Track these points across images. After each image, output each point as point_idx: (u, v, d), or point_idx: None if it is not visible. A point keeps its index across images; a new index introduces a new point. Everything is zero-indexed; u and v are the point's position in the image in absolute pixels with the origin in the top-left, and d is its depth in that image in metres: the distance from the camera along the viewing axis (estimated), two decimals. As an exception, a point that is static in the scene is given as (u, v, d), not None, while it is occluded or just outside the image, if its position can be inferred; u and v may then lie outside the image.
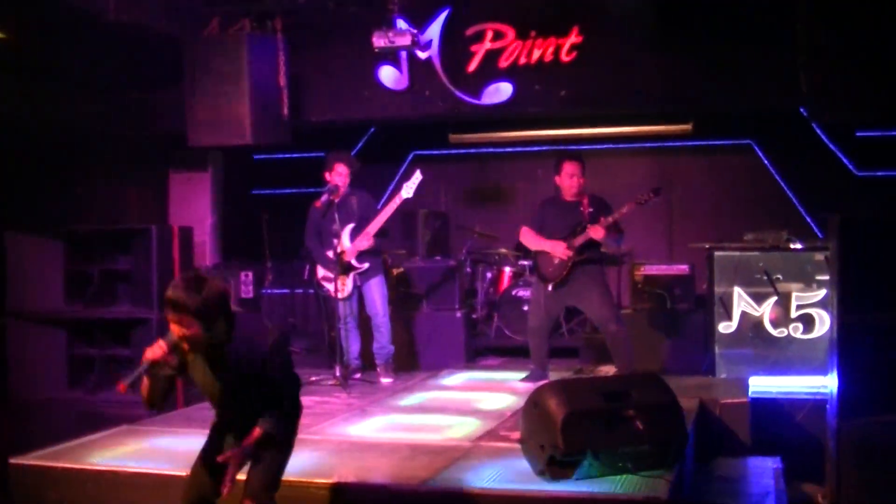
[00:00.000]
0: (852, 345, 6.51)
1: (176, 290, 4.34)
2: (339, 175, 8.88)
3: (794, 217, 11.08)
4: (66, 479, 5.94)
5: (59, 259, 9.43)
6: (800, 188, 11.23)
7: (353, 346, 9.11)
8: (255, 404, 4.57)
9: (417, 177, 8.78)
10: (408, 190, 8.75)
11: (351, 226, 8.86)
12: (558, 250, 8.29)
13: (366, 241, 8.82)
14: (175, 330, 4.38)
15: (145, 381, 4.45)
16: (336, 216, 8.72)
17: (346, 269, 8.83)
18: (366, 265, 8.89)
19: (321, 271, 9.05)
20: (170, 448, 6.41)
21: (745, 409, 7.71)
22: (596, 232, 8.13)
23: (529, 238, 8.57)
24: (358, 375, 9.02)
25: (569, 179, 8.41)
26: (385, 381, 9.04)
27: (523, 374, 8.85)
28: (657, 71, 10.02)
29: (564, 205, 8.48)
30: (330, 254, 8.82)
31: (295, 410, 4.75)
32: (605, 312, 8.40)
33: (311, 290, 10.59)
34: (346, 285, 8.88)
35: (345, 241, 8.81)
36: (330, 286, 8.93)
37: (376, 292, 9.03)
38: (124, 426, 7.11)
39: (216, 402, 4.74)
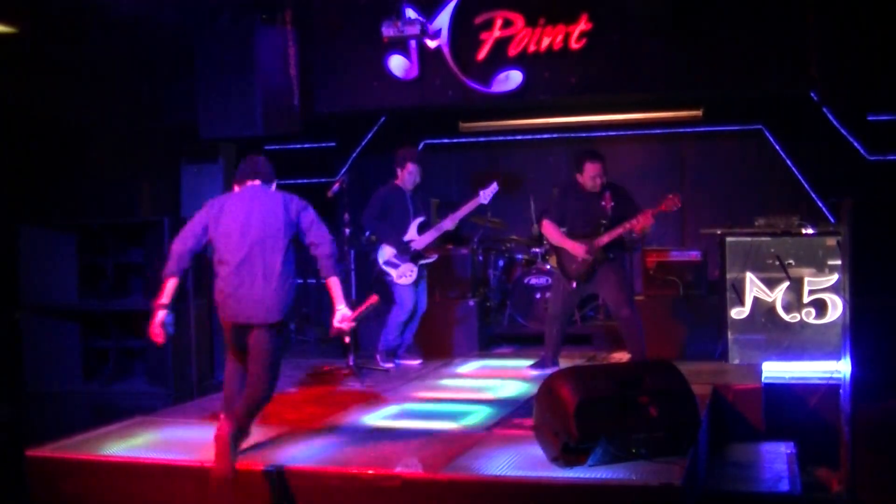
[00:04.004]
0: (865, 329, 6.51)
1: None
2: (409, 173, 9.30)
3: (806, 202, 11.02)
4: (82, 471, 6.00)
5: (72, 252, 9.45)
6: (811, 173, 11.17)
7: (410, 331, 9.55)
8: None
9: (495, 187, 9.25)
10: (485, 196, 9.25)
11: (421, 219, 9.33)
12: (580, 252, 8.30)
13: (433, 235, 9.36)
14: None
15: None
16: (410, 207, 9.31)
17: (416, 257, 9.25)
18: (434, 257, 9.44)
19: (387, 255, 9.25)
20: (184, 438, 6.46)
21: (759, 394, 7.72)
22: (614, 234, 8.25)
23: (552, 233, 8.54)
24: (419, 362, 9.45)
25: (591, 181, 8.36)
26: (413, 362, 9.44)
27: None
28: (667, 57, 10.00)
29: (585, 196, 8.42)
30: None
31: None
32: (618, 297, 8.42)
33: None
34: (413, 272, 9.23)
35: (413, 232, 9.25)
36: (394, 271, 9.22)
37: (425, 288, 9.57)
38: (139, 417, 7.17)
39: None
